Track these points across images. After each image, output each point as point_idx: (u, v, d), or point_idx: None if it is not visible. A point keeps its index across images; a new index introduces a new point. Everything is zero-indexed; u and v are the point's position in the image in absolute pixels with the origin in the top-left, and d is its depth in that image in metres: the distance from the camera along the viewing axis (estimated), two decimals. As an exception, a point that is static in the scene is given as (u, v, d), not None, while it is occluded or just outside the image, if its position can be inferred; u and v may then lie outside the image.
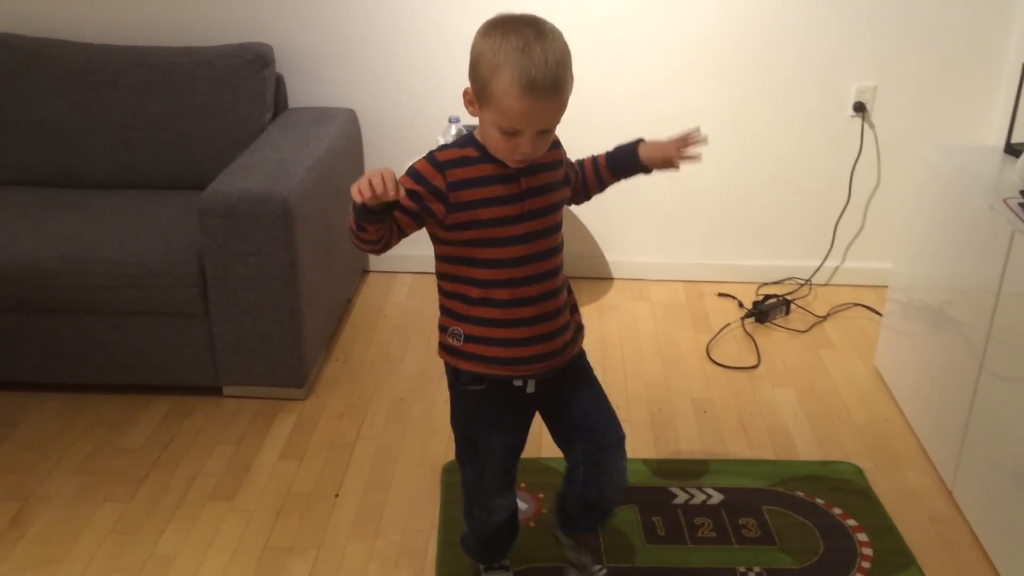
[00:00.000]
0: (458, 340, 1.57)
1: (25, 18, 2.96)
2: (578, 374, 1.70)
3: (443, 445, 2.37)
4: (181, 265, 2.38)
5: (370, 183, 1.33)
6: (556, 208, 1.58)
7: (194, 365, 2.50)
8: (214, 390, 2.56)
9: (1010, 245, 1.92)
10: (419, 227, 1.52)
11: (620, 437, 1.71)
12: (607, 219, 3.24)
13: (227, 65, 2.83)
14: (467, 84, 1.44)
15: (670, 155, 1.67)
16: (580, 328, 1.70)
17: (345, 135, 2.92)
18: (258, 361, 2.48)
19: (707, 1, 2.94)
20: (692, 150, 1.67)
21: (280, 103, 3.04)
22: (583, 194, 1.75)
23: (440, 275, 1.58)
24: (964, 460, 2.12)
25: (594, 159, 1.73)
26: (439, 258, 1.57)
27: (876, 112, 3.07)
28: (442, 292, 1.59)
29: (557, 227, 1.57)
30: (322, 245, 2.63)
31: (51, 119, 2.83)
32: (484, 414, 1.65)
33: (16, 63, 2.83)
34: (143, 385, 2.55)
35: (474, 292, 1.54)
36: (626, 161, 1.70)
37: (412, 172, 1.48)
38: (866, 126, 3.08)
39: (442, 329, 1.61)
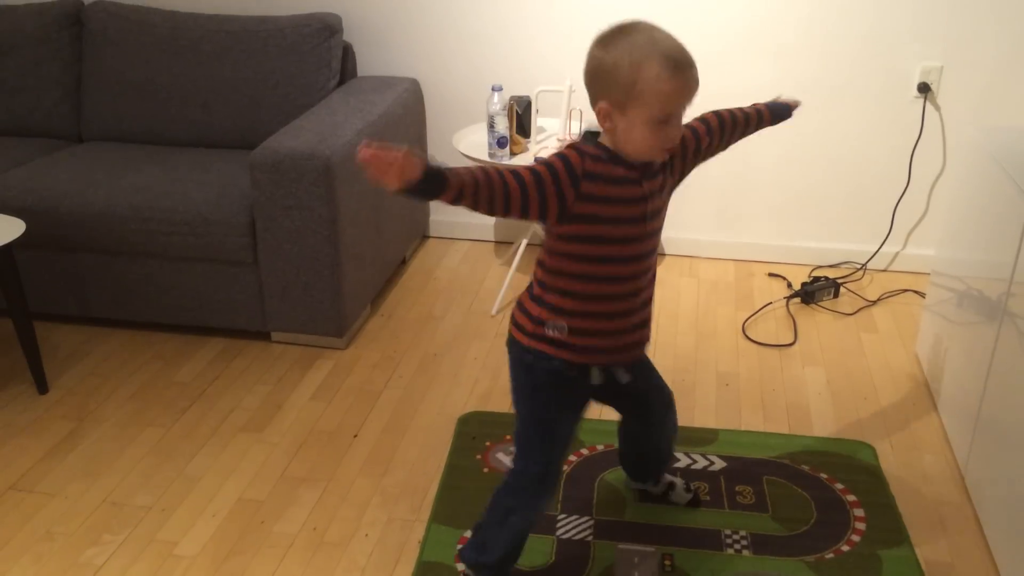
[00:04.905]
0: (561, 333, 1.59)
1: (123, -12, 3.22)
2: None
3: (463, 398, 2.47)
4: (233, 216, 2.57)
5: (376, 166, 1.32)
6: (665, 208, 1.62)
7: (245, 310, 2.69)
8: (264, 335, 2.76)
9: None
10: (537, 215, 1.47)
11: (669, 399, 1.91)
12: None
13: (297, 33, 3.01)
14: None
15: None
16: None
17: (403, 103, 3.05)
18: (301, 310, 2.65)
19: (766, -23, 2.93)
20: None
21: (349, 71, 3.20)
22: (720, 142, 1.74)
23: (546, 269, 1.58)
24: (976, 444, 2.08)
25: (749, 107, 1.82)
26: (550, 252, 1.56)
27: (942, 93, 2.98)
28: (542, 285, 1.60)
29: (662, 226, 1.63)
30: (370, 205, 2.77)
31: (139, 81, 3.08)
32: (560, 395, 1.67)
33: (112, 29, 3.09)
34: (200, 327, 2.77)
35: (587, 287, 1.57)
36: (783, 111, 1.90)
37: (560, 155, 1.49)
38: (929, 108, 2.99)
39: (537, 321, 1.60)
